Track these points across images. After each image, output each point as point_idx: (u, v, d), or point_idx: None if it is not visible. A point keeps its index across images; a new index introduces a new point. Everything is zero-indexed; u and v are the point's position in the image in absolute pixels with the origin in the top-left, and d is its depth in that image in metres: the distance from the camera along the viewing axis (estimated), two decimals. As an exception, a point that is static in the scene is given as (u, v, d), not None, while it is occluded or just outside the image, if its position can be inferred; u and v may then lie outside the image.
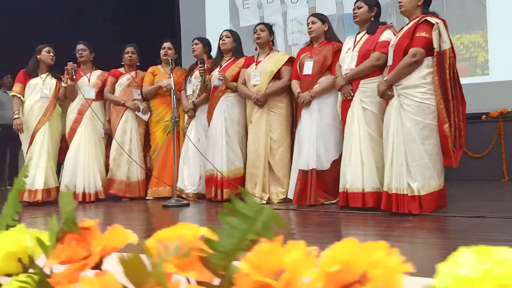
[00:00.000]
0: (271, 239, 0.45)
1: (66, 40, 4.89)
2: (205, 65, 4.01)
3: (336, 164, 3.53)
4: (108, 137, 4.55)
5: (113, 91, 4.54)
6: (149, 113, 4.51)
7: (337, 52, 3.53)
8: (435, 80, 2.67)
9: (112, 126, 4.47)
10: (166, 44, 4.62)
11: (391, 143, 2.80)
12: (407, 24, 2.89)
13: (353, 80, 3.19)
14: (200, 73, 3.99)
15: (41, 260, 0.51)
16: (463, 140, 2.73)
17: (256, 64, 3.92)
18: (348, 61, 3.25)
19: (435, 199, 2.80)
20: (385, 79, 2.84)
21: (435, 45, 2.66)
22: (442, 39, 2.67)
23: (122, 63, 4.63)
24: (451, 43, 2.69)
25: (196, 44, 4.50)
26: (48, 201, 4.20)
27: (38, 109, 4.28)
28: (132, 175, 4.42)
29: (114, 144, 4.41)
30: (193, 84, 4.38)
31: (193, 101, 4.34)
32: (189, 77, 4.44)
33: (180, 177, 4.32)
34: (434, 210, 2.83)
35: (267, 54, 3.94)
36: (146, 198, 4.41)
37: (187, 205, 3.78)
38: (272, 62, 3.86)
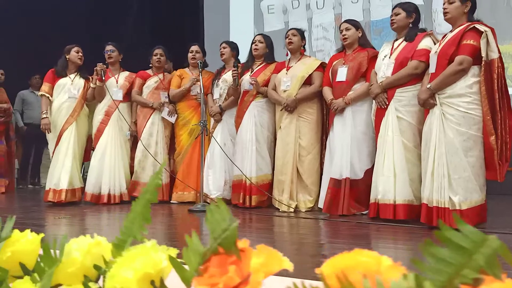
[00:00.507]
0: (498, 278, 0.37)
1: (94, 41, 4.90)
2: (239, 69, 3.96)
3: (369, 173, 3.43)
4: (134, 139, 4.52)
5: (140, 93, 4.52)
6: (176, 115, 4.46)
7: (372, 59, 3.45)
8: (482, 90, 2.56)
9: (138, 128, 4.44)
10: (194, 48, 4.58)
11: (432, 154, 2.69)
12: (451, 31, 2.79)
13: (389, 89, 3.10)
14: (233, 76, 3.94)
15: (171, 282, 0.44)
16: (510, 153, 2.61)
17: (287, 70, 3.85)
18: (384, 69, 3.16)
19: (476, 214, 2.68)
20: (428, 86, 2.74)
21: (483, 54, 2.55)
22: (490, 48, 2.56)
23: (150, 65, 4.60)
24: (500, 53, 2.58)
25: (224, 48, 4.46)
26: (72, 202, 4.18)
27: (66, 109, 4.27)
28: (157, 178, 4.36)
29: (140, 146, 4.37)
30: (220, 88, 4.33)
31: (220, 105, 4.28)
32: (216, 81, 4.39)
33: (205, 182, 4.26)
34: (475, 225, 2.70)
35: (299, 60, 3.87)
36: (171, 202, 4.36)
37: (214, 210, 3.70)
38: (303, 68, 3.78)
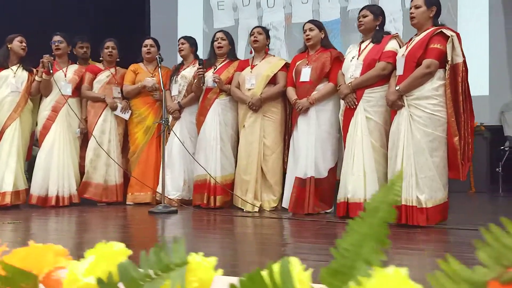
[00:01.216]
0: None
1: (38, 31, 4.51)
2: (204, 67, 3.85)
3: (332, 172, 3.48)
4: (83, 137, 4.25)
5: (91, 88, 4.25)
6: (130, 112, 4.25)
7: (335, 60, 3.50)
8: (447, 93, 2.68)
9: (89, 125, 4.18)
10: (148, 41, 4.40)
11: (401, 154, 2.77)
12: (417, 34, 2.89)
13: (358, 89, 3.16)
14: (199, 74, 3.82)
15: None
16: (471, 154, 2.76)
17: (251, 68, 3.80)
18: (352, 70, 3.21)
19: (439, 211, 2.80)
20: (396, 88, 2.82)
21: (449, 58, 2.67)
22: (455, 52, 2.69)
23: (100, 58, 4.34)
24: (464, 57, 2.71)
25: (182, 43, 4.31)
26: (16, 204, 3.84)
27: (8, 103, 3.91)
28: (109, 178, 4.14)
29: (91, 144, 4.11)
30: (179, 84, 4.20)
31: (178, 102, 4.14)
32: (174, 77, 4.24)
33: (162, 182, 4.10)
34: (437, 223, 2.83)
35: (263, 58, 3.84)
36: (126, 203, 4.15)
37: (175, 211, 3.58)
38: (268, 67, 3.76)
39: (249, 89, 3.73)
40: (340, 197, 3.21)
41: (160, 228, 3.28)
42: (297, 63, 3.63)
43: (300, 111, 3.48)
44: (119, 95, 4.27)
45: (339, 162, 3.46)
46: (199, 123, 3.99)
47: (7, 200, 3.75)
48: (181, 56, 4.32)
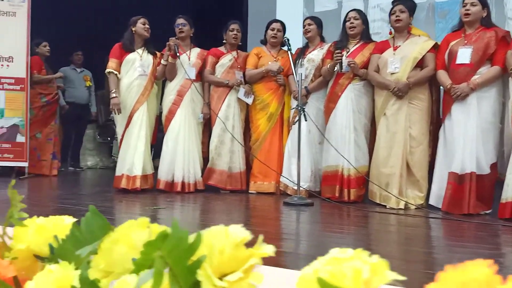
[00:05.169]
0: None
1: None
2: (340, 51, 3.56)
3: (494, 168, 3.07)
4: (205, 123, 4.14)
5: (213, 72, 4.11)
6: (253, 96, 4.06)
7: (502, 40, 3.05)
8: None
9: (212, 110, 4.04)
10: (276, 25, 4.17)
11: None
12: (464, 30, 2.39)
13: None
14: (337, 59, 3.53)
15: None
16: None
17: (394, 50, 3.44)
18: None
19: None
20: None
21: None
22: None
23: (224, 41, 4.19)
24: None
25: (309, 24, 4.03)
26: (144, 189, 3.82)
27: (136, 87, 3.88)
28: (234, 165, 4.00)
29: (216, 130, 3.98)
30: (306, 68, 3.93)
31: (305, 87, 3.88)
32: (300, 60, 3.99)
33: (287, 172, 3.90)
34: None
35: (406, 39, 3.46)
36: (249, 192, 3.99)
37: (311, 204, 3.34)
38: (415, 48, 3.38)
39: (392, 73, 3.38)
40: (507, 196, 2.81)
41: (296, 221, 3.07)
42: (451, 43, 3.22)
43: (458, 97, 3.08)
44: (242, 80, 4.10)
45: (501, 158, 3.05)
46: (328, 110, 3.71)
47: (137, 184, 3.73)
48: (307, 38, 4.06)
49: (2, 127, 4.74)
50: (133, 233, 0.41)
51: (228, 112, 4.01)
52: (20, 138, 4.77)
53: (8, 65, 4.76)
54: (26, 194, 3.90)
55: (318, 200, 3.61)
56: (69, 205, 3.09)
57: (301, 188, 3.72)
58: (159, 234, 0.37)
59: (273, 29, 4.11)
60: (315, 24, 4.02)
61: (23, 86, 4.79)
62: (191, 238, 0.38)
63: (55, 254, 0.45)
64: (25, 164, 4.78)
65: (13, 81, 4.76)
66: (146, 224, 0.42)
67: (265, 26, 4.26)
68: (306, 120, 3.47)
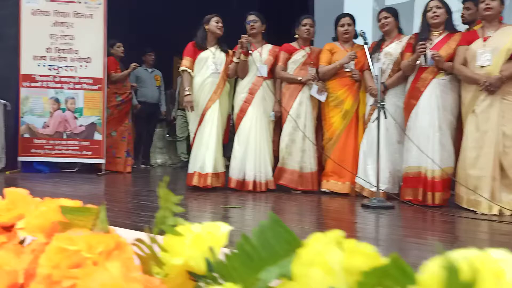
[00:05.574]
0: None
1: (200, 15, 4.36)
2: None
3: None
4: (276, 121, 4.06)
5: (285, 68, 4.02)
6: (326, 93, 3.92)
7: None
8: None
9: (284, 108, 3.96)
10: (345, 20, 4.01)
11: None
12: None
13: None
14: (420, 51, 3.32)
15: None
16: None
17: (484, 41, 3.16)
18: None
19: None
20: None
21: None
22: None
23: (295, 36, 4.08)
24: None
25: (385, 17, 3.82)
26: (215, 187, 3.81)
27: (209, 85, 3.87)
28: (305, 165, 3.88)
29: (287, 129, 3.89)
30: (383, 62, 3.73)
31: (383, 82, 3.68)
32: (376, 55, 3.79)
33: (363, 172, 3.72)
34: None
35: (497, 28, 3.17)
36: (321, 191, 3.86)
37: (392, 207, 3.15)
38: (508, 39, 3.08)
39: (482, 66, 3.11)
40: None
41: (375, 224, 2.89)
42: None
43: None
44: (315, 76, 3.97)
45: None
46: (409, 107, 3.49)
47: (209, 181, 3.72)
48: (384, 31, 3.84)
49: (81, 125, 4.95)
50: (328, 252, 0.31)
51: (299, 110, 3.90)
52: (97, 136, 4.96)
53: (86, 66, 4.97)
54: (105, 190, 4.03)
55: (398, 203, 3.40)
56: (147, 202, 3.13)
57: (374, 189, 3.54)
58: (388, 265, 0.27)
59: (343, 25, 3.95)
60: (392, 16, 3.80)
61: (100, 86, 4.97)
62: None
63: (215, 272, 0.37)
64: (102, 161, 4.96)
65: (91, 81, 4.96)
66: (340, 239, 0.33)
67: (332, 21, 4.12)
68: (386, 118, 3.27)
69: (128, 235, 0.41)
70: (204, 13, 4.07)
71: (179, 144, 6.59)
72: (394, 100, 3.67)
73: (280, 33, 4.25)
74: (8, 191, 0.47)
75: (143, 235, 0.39)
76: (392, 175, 3.63)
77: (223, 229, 0.40)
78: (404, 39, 3.73)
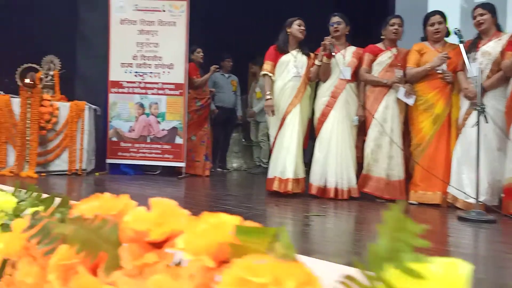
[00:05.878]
0: None
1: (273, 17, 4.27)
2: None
3: None
4: (360, 125, 3.88)
5: (370, 70, 3.84)
6: (414, 97, 3.68)
7: None
8: None
9: (368, 111, 3.78)
10: (435, 18, 3.74)
11: None
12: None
13: None
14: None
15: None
16: None
17: None
18: None
19: None
20: None
21: None
22: None
23: (382, 37, 3.89)
24: None
25: (481, 14, 3.51)
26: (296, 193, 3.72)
27: (290, 89, 3.80)
28: (392, 172, 3.67)
29: (372, 134, 3.70)
30: (480, 62, 3.42)
31: (481, 84, 3.37)
32: (472, 54, 3.49)
33: (456, 182, 3.43)
34: None
35: None
36: (409, 202, 3.62)
37: (493, 221, 2.86)
38: None
39: None
40: None
41: (473, 239, 2.63)
42: None
43: None
44: (402, 78, 3.75)
45: None
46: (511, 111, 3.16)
47: (290, 187, 3.64)
48: (481, 30, 3.53)
49: (163, 130, 5.10)
50: None
51: (386, 113, 3.70)
52: (178, 140, 5.08)
53: (169, 72, 5.12)
54: (185, 193, 4.10)
55: (499, 216, 3.09)
56: (229, 206, 3.12)
57: (473, 201, 3.24)
58: None
59: (433, 24, 3.69)
60: (489, 13, 3.49)
61: (182, 91, 5.10)
62: None
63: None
64: (183, 165, 5.08)
65: (173, 86, 5.10)
66: None
67: (414, 22, 3.88)
68: (487, 122, 2.99)
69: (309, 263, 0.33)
70: (278, 21, 4.02)
71: (255, 149, 6.61)
72: (493, 103, 3.35)
73: (356, 35, 4.07)
74: (156, 202, 0.41)
75: (350, 271, 0.30)
76: (491, 185, 3.31)
77: (462, 269, 0.30)
78: (504, 37, 3.41)
